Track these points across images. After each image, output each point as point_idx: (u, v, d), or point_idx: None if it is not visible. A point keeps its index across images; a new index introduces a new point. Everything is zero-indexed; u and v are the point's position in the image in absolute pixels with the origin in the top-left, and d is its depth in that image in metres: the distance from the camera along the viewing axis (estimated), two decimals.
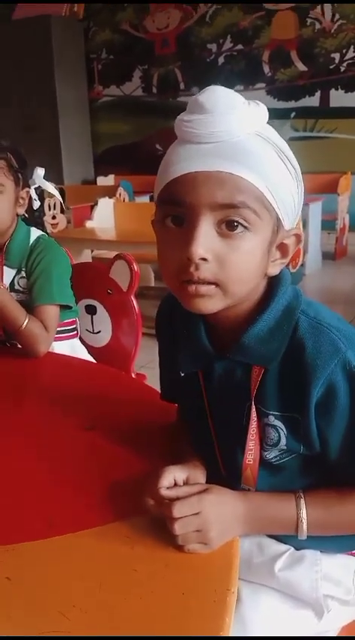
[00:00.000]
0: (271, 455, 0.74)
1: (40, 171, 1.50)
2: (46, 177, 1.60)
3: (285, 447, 0.73)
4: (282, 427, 0.72)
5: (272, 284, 0.73)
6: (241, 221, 0.64)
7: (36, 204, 1.51)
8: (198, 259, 0.64)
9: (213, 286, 0.66)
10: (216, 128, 0.63)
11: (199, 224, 0.64)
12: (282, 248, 0.72)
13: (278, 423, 0.72)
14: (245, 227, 0.65)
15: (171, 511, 0.66)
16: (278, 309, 0.71)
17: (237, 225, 0.64)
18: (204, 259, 0.64)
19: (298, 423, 0.70)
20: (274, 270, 0.72)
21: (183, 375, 0.80)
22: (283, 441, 0.72)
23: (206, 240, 0.64)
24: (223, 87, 0.65)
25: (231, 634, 0.57)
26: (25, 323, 1.31)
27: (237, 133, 0.63)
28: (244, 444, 0.73)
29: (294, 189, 0.69)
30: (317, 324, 0.70)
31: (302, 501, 0.72)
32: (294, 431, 0.71)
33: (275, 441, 0.72)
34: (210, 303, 0.67)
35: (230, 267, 0.65)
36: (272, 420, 0.72)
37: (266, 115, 0.67)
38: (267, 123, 0.65)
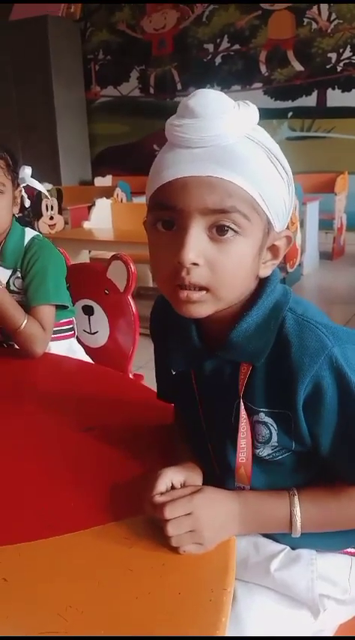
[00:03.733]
0: (264, 452, 0.74)
1: (27, 170, 1.50)
2: (43, 178, 1.60)
3: (277, 444, 0.73)
4: (273, 424, 0.72)
5: (262, 282, 0.73)
6: (232, 225, 0.64)
7: (27, 203, 1.51)
8: (190, 264, 0.64)
9: (205, 292, 0.66)
10: (206, 133, 0.63)
11: (190, 229, 0.64)
12: (273, 249, 0.72)
13: (268, 419, 0.72)
14: (236, 231, 0.65)
15: (163, 513, 0.66)
16: (266, 306, 0.71)
17: (227, 230, 0.64)
18: (196, 264, 0.64)
19: (289, 420, 0.70)
20: (265, 271, 0.72)
21: (175, 373, 0.81)
22: (274, 437, 0.72)
23: (197, 245, 0.64)
24: (213, 90, 0.65)
25: (227, 634, 0.57)
26: (24, 323, 1.31)
27: (228, 137, 0.63)
28: (235, 442, 0.73)
29: (285, 191, 0.69)
30: (303, 320, 0.70)
31: (296, 499, 0.72)
32: (285, 427, 0.71)
33: (266, 438, 0.73)
34: (202, 308, 0.68)
35: (221, 272, 0.65)
36: (262, 417, 0.72)
37: (256, 115, 0.67)
38: (265, 123, 0.65)
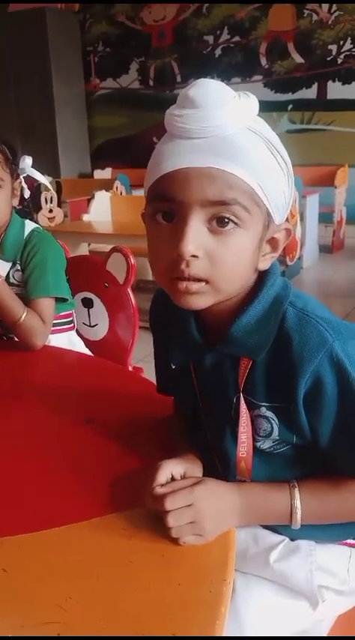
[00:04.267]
0: (265, 445, 0.74)
1: (28, 160, 1.49)
2: (42, 171, 1.59)
3: (278, 438, 0.73)
4: (274, 418, 0.72)
5: (262, 276, 0.73)
6: (232, 217, 0.64)
7: (26, 194, 1.50)
8: (189, 256, 0.64)
9: (204, 283, 0.66)
10: (206, 123, 0.62)
11: (190, 221, 0.64)
12: (273, 242, 0.72)
13: (269, 413, 0.72)
14: (235, 223, 0.64)
15: (164, 504, 0.66)
16: (267, 300, 0.71)
17: (227, 222, 0.64)
18: (195, 256, 0.64)
19: (289, 413, 0.70)
20: (265, 264, 0.72)
21: (175, 367, 0.80)
22: (276, 431, 0.72)
23: (197, 237, 0.64)
24: (213, 80, 0.65)
25: (226, 625, 0.57)
26: (23, 316, 1.31)
27: (228, 128, 0.63)
28: (235, 436, 0.73)
29: (285, 183, 0.69)
30: (304, 315, 0.70)
31: (296, 491, 0.73)
32: (286, 421, 0.71)
33: (267, 432, 0.73)
34: (201, 299, 0.68)
35: (221, 264, 0.65)
36: (263, 411, 0.72)
37: (256, 106, 0.66)
38: (264, 115, 0.65)
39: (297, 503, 0.72)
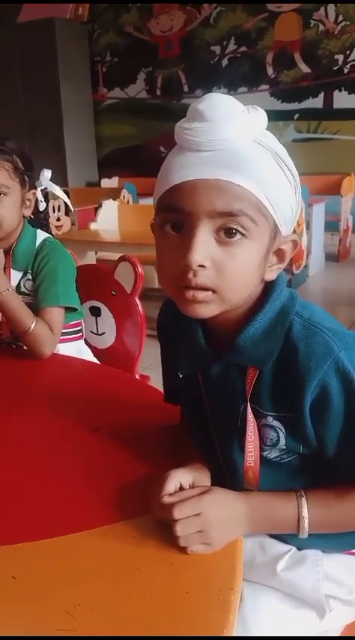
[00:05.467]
0: (272, 455, 0.75)
1: (47, 173, 1.51)
2: (51, 180, 1.61)
3: (285, 447, 0.73)
4: (281, 427, 0.72)
5: (268, 286, 0.74)
6: (239, 228, 0.65)
7: (42, 206, 1.52)
8: (197, 266, 0.64)
9: (211, 292, 0.67)
10: (215, 136, 0.63)
11: (198, 231, 0.65)
12: (279, 253, 0.72)
13: (276, 423, 0.72)
14: (243, 234, 0.65)
15: (172, 513, 0.67)
16: (273, 310, 0.72)
17: (235, 233, 0.65)
18: (203, 266, 0.65)
19: (296, 423, 0.71)
20: (271, 275, 0.73)
21: (182, 377, 0.81)
22: (282, 441, 0.73)
23: (204, 247, 0.65)
24: (223, 95, 0.66)
25: (233, 634, 0.58)
26: (32, 325, 1.32)
27: (236, 141, 0.64)
28: (243, 445, 0.74)
29: (292, 195, 0.69)
30: (310, 325, 0.70)
31: (304, 500, 0.73)
32: (293, 431, 0.72)
33: (274, 442, 0.73)
34: (208, 309, 0.68)
35: (228, 274, 0.66)
36: (270, 420, 0.73)
37: (265, 120, 0.68)
38: (271, 124, 0.66)
39: (304, 512, 0.72)
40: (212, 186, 0.64)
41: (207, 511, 0.67)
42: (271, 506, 0.74)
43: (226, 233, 0.65)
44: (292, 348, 0.69)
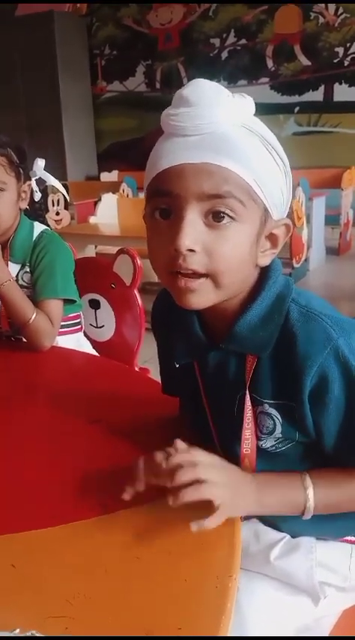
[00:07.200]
0: (268, 444, 0.75)
1: (40, 163, 1.50)
2: (49, 173, 1.60)
3: (281, 436, 0.73)
4: (277, 415, 0.72)
5: (264, 274, 0.74)
6: (227, 211, 0.65)
7: (37, 197, 1.51)
8: (186, 250, 0.64)
9: (204, 279, 0.67)
10: (201, 120, 0.63)
11: (186, 215, 0.65)
12: (272, 238, 0.72)
13: (273, 411, 0.72)
14: (231, 217, 0.65)
15: (169, 466, 0.66)
16: (270, 297, 0.72)
17: (223, 216, 0.65)
18: (192, 250, 0.65)
19: (293, 411, 0.71)
20: (264, 260, 0.72)
21: (178, 366, 0.81)
22: (278, 428, 0.73)
23: (193, 231, 0.64)
24: (208, 80, 0.66)
25: (231, 621, 0.58)
26: (33, 317, 1.33)
27: (223, 125, 0.64)
28: (240, 434, 0.74)
29: (282, 180, 0.69)
30: (308, 312, 0.70)
31: (308, 479, 0.72)
32: (289, 418, 0.72)
33: (270, 429, 0.73)
34: (203, 298, 0.68)
35: (218, 258, 0.66)
36: (267, 408, 0.73)
37: (252, 106, 0.68)
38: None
39: (310, 492, 0.72)
40: (200, 169, 0.64)
41: (216, 464, 0.68)
42: (278, 482, 0.73)
43: (214, 216, 0.65)
44: (290, 336, 0.69)
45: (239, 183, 0.65)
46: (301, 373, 0.68)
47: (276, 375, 0.72)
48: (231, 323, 0.72)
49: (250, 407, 0.73)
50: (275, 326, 0.71)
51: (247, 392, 0.73)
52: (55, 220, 4.33)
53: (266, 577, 0.81)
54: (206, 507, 0.66)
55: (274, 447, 0.75)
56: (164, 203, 0.67)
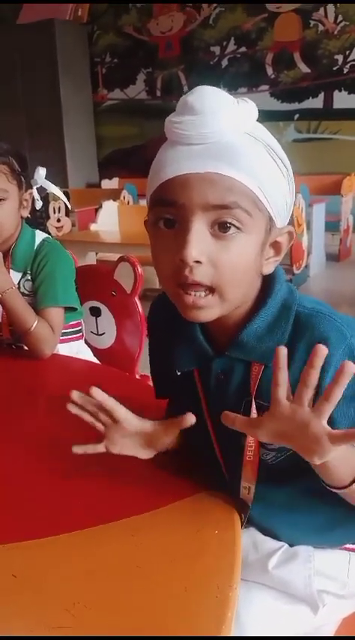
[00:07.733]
0: (268, 456, 0.74)
1: (41, 171, 1.50)
2: (50, 181, 1.61)
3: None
4: None
5: (267, 282, 0.73)
6: (233, 222, 0.64)
7: (38, 205, 1.52)
8: (192, 262, 0.64)
9: (210, 295, 0.66)
10: (205, 129, 0.63)
11: (192, 226, 0.64)
12: (276, 246, 0.72)
13: None
14: (237, 228, 0.65)
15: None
16: (275, 305, 0.71)
17: (229, 227, 0.64)
18: (198, 262, 0.64)
19: None
20: (268, 268, 0.72)
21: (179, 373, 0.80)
22: None
23: (199, 242, 0.64)
24: (212, 87, 0.65)
25: (231, 631, 0.58)
26: (34, 325, 1.33)
27: (227, 134, 0.64)
28: (242, 441, 0.74)
29: (285, 187, 0.69)
30: (318, 313, 0.70)
31: None
32: None
33: None
34: (209, 313, 0.68)
35: (224, 269, 0.65)
36: None
37: (255, 112, 0.67)
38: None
39: None
40: (204, 179, 0.63)
41: None
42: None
43: (220, 227, 0.65)
44: (301, 338, 0.69)
45: (244, 193, 0.64)
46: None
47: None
48: (235, 331, 0.72)
49: (255, 413, 0.72)
50: (283, 333, 0.70)
51: (253, 399, 0.72)
52: (56, 227, 4.34)
53: (264, 586, 0.81)
54: (205, 515, 0.66)
55: (274, 458, 0.75)
56: (168, 213, 0.66)
